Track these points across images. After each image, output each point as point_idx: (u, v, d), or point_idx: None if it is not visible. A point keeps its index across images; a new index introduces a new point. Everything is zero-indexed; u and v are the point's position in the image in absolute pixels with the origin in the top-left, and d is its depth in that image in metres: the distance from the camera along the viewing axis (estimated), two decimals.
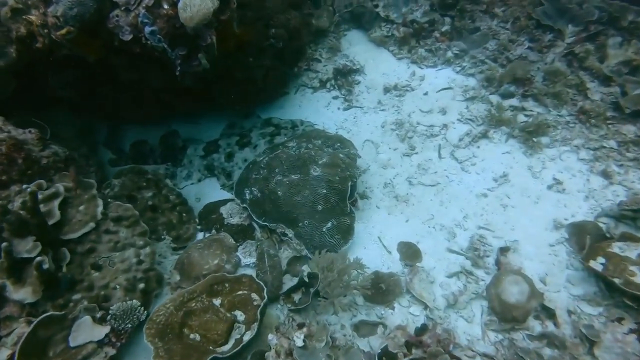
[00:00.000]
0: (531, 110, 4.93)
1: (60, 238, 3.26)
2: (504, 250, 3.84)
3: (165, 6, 3.00)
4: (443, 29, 5.63)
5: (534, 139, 4.65)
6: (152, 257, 3.55)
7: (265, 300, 3.26)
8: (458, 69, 5.45)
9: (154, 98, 4.47)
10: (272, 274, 3.59)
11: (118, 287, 3.27)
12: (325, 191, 3.83)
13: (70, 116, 4.52)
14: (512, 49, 5.38)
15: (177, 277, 3.65)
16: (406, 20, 5.61)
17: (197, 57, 3.25)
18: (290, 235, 3.81)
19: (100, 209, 3.47)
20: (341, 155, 4.15)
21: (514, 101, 5.03)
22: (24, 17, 3.04)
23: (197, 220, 4.19)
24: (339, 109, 5.41)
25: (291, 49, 4.24)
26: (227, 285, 3.46)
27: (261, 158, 4.21)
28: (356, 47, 5.83)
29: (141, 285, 3.35)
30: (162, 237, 3.95)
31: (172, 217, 4.05)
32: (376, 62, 5.66)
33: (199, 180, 4.79)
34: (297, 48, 4.38)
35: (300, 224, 3.78)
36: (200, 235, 4.10)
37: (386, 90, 5.38)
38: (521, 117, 4.87)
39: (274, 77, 4.57)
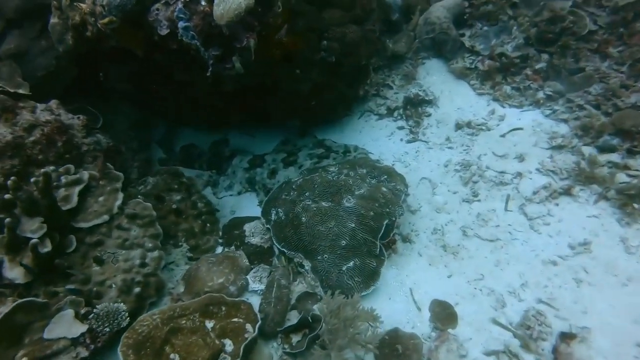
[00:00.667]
0: (637, 170, 3.97)
1: (71, 225, 3.22)
2: (567, 336, 3.00)
3: (203, 2, 2.87)
4: (537, 67, 4.90)
5: (635, 206, 3.70)
6: (158, 262, 3.36)
7: (254, 334, 2.86)
8: (548, 112, 4.66)
9: (208, 104, 4.42)
10: (276, 307, 3.18)
11: (114, 286, 3.11)
12: (353, 225, 3.37)
13: (129, 109, 4.65)
14: (625, 95, 4.47)
15: (182, 289, 3.42)
16: (494, 53, 5.00)
17: (231, 60, 3.07)
18: (307, 267, 3.39)
19: (118, 202, 3.40)
20: (384, 189, 3.66)
21: (614, 157, 4.11)
22: (75, 4, 3.13)
23: (220, 233, 3.96)
24: (402, 140, 4.93)
25: (349, 66, 3.91)
26: (224, 308, 3.13)
27: (296, 179, 3.89)
28: (433, 77, 5.33)
29: (137, 290, 3.16)
30: (180, 244, 3.77)
31: (195, 225, 3.88)
32: (452, 95, 5.10)
33: (239, 193, 4.61)
34: (356, 66, 4.04)
35: (319, 257, 3.35)
36: (219, 250, 3.86)
37: (458, 126, 4.78)
38: (621, 177, 3.94)
39: (330, 96, 4.27)
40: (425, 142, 4.83)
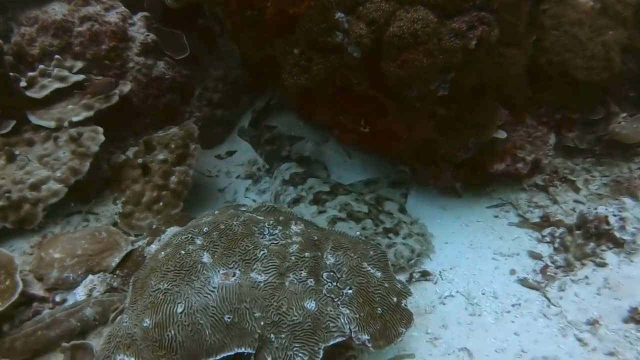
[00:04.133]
0: None
1: (24, 112, 3.00)
2: None
3: None
4: None
5: None
6: (51, 196, 2.78)
7: None
8: None
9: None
10: (36, 333, 2.09)
11: None
12: (180, 311, 1.83)
13: (237, 64, 4.14)
14: None
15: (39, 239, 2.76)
16: None
17: None
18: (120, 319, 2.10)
19: (76, 118, 2.97)
20: (327, 309, 1.87)
21: None
22: None
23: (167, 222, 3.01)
24: (512, 273, 2.63)
25: (414, 84, 2.13)
26: (7, 283, 2.28)
27: (245, 209, 2.51)
28: None
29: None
30: (117, 202, 3.07)
31: (148, 193, 3.06)
32: None
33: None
34: (422, 89, 2.17)
35: (124, 315, 2.00)
36: (143, 242, 2.93)
37: (636, 319, 2.11)
38: None
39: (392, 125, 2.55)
40: (549, 301, 2.38)
